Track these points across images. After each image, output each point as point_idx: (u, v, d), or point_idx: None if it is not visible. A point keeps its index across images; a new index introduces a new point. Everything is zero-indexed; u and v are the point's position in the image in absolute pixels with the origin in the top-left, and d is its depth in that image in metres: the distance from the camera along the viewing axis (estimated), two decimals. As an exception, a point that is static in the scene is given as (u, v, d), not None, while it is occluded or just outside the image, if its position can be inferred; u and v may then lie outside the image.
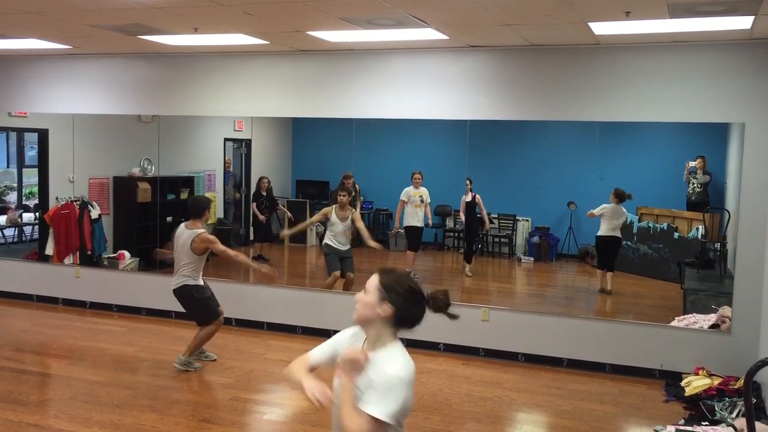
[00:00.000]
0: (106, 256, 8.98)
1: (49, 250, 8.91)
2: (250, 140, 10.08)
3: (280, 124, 10.37)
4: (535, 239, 9.18)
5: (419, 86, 7.07)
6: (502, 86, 6.84)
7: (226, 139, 10.13)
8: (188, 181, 9.69)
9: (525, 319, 6.89)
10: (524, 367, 6.61)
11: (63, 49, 7.84)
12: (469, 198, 8.50)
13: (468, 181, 8.31)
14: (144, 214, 9.23)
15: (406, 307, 2.34)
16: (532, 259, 9.13)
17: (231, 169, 10.36)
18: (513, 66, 6.79)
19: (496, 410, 5.54)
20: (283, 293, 7.75)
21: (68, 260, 8.86)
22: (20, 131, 9.44)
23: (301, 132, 10.58)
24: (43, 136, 9.04)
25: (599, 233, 7.84)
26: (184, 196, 9.45)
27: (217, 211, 10.39)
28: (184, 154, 9.95)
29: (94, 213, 9.08)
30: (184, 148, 9.94)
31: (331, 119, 7.72)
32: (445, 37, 6.28)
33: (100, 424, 4.95)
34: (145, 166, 9.24)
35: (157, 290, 8.06)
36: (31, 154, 10.18)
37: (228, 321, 7.64)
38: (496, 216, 9.48)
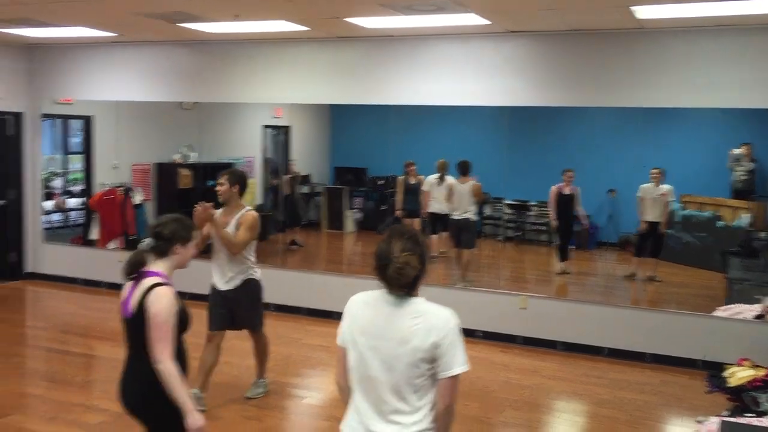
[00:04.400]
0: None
1: (94, 234, 9.11)
2: (289, 127, 10.15)
3: (319, 111, 10.42)
4: (576, 227, 9.08)
5: (458, 72, 7.03)
6: (542, 72, 6.76)
7: (264, 126, 10.21)
8: (227, 168, 9.78)
9: (564, 307, 6.84)
10: (563, 356, 6.57)
11: (108, 37, 7.96)
12: (568, 191, 8.21)
13: (568, 173, 8.13)
14: (185, 200, 9.36)
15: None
16: (572, 246, 9.03)
17: (268, 156, 10.45)
18: (554, 51, 6.71)
19: (534, 398, 5.52)
20: (322, 279, 7.81)
21: (112, 245, 9.05)
22: (66, 118, 9.63)
23: (339, 119, 10.62)
24: (88, 123, 9.23)
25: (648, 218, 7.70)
26: (223, 182, 9.55)
27: (256, 197, 10.50)
28: (223, 140, 10.05)
29: (137, 199, 9.25)
30: (223, 135, 10.04)
31: (370, 106, 7.72)
32: (486, 22, 6.22)
33: (144, 405, 5.07)
34: (186, 152, 9.37)
35: (196, 275, 8.16)
36: (75, 140, 10.38)
37: (266, 306, 7.74)
38: (535, 203, 9.40)
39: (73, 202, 10.32)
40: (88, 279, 8.93)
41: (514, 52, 6.84)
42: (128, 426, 4.62)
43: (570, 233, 8.58)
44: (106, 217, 9.07)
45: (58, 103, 9.05)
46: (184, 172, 9.35)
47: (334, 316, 7.64)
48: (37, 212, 9.28)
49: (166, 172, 9.38)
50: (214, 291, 5.05)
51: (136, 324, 2.88)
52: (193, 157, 9.33)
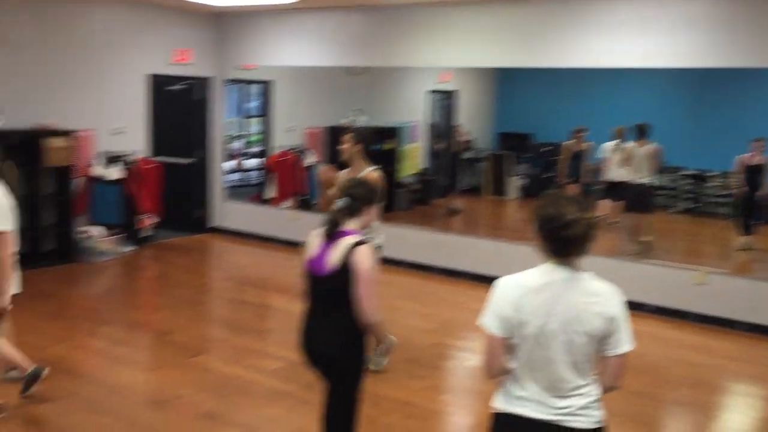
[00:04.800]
0: (317, 202, 9.58)
1: (270, 193, 9.68)
2: (455, 92, 10.14)
3: (483, 76, 10.31)
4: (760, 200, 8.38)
5: (636, 32, 6.66)
6: (733, 30, 6.24)
7: (429, 92, 10.28)
8: (392, 132, 9.98)
9: (746, 285, 6.37)
10: (742, 336, 6.16)
11: (290, 4, 8.28)
12: (756, 161, 7.70)
13: (758, 142, 7.61)
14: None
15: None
16: (758, 221, 8.34)
17: (433, 121, 10.51)
18: (748, 7, 6.17)
19: (709, 378, 5.24)
20: (484, 244, 7.79)
21: (286, 204, 9.58)
22: (248, 83, 10.24)
23: (505, 83, 10.43)
24: (267, 87, 9.76)
25: None
26: (387, 146, 9.76)
27: (420, 162, 10.65)
28: (390, 105, 10.26)
29: (309, 160, 9.70)
30: (390, 100, 10.24)
31: (538, 69, 7.53)
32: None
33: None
34: (355, 116, 9.65)
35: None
36: (251, 105, 11.03)
37: (429, 268, 7.89)
38: (716, 174, 8.78)
39: (250, 163, 11.00)
40: (263, 235, 9.53)
41: (700, 7, 6.37)
42: (301, 373, 4.95)
43: (756, 207, 7.96)
44: (282, 177, 9.60)
45: (241, 69, 9.63)
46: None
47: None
48: (220, 172, 9.98)
49: (336, 135, 9.70)
50: None
51: (337, 280, 3.02)
52: (361, 122, 9.59)
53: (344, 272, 2.99)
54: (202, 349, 5.47)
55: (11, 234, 3.83)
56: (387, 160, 9.29)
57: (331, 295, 3.09)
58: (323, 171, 4.74)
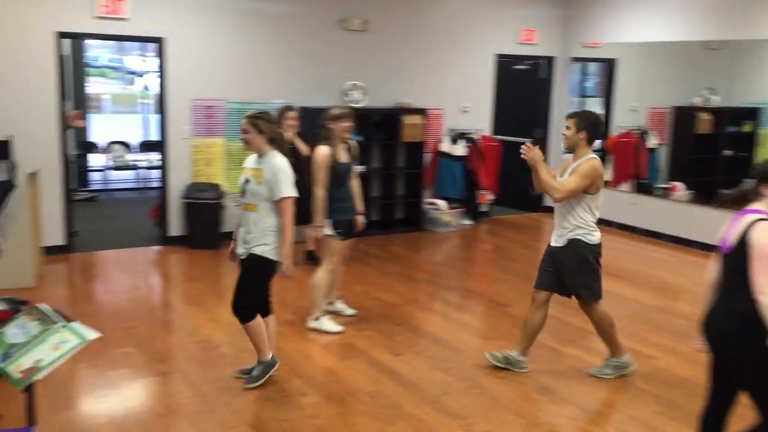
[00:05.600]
0: (659, 185, 9.05)
1: (608, 176, 9.40)
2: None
3: None
4: None
5: None
6: None
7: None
8: (752, 113, 8.96)
9: None
10: None
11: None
12: None
13: None
14: (702, 146, 8.96)
15: None
16: None
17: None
18: None
19: None
20: None
21: (624, 187, 9.22)
22: (591, 61, 10.03)
23: None
24: (612, 65, 9.45)
25: None
26: (746, 129, 8.80)
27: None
28: (750, 83, 9.21)
29: (652, 142, 9.20)
30: (750, 77, 9.19)
31: None
32: None
33: (657, 347, 5.14)
34: (708, 95, 8.87)
35: (710, 224, 7.84)
36: (588, 84, 10.76)
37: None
38: None
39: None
40: (600, 218, 9.28)
41: None
42: (641, 362, 4.77)
43: None
44: (620, 159, 9.26)
45: (586, 47, 9.46)
46: (704, 116, 8.90)
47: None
48: (560, 151, 9.95)
49: (683, 115, 9.06)
50: (548, 246, 4.59)
51: (735, 258, 2.91)
52: (715, 101, 8.79)
53: (741, 249, 2.85)
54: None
55: (292, 201, 4.08)
56: (745, 143, 8.42)
57: (730, 273, 2.97)
58: (525, 150, 4.22)
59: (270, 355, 4.30)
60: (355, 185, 5.38)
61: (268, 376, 4.27)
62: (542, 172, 4.23)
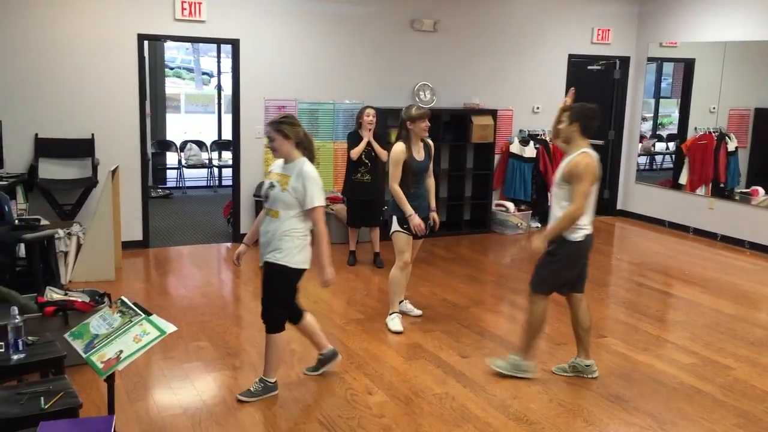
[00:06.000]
0: (739, 190, 8.73)
1: (683, 179, 9.13)
2: None
3: None
4: None
5: None
6: None
7: None
8: None
9: None
10: None
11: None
12: None
13: None
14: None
15: None
16: None
17: None
18: None
19: None
20: None
21: (701, 191, 8.93)
22: (668, 61, 9.75)
23: None
24: (689, 65, 9.16)
25: None
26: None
27: None
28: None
29: (731, 145, 8.87)
30: None
31: None
32: None
33: (735, 357, 4.95)
34: (793, 97, 8.50)
35: None
36: (664, 85, 10.46)
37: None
38: None
39: (660, 146, 10.50)
40: (674, 222, 9.05)
41: None
42: (719, 373, 4.62)
43: None
44: (697, 162, 8.97)
45: (662, 47, 9.20)
46: (789, 118, 8.53)
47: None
48: (634, 154, 9.72)
49: (765, 118, 8.70)
50: None
51: None
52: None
53: None
54: (607, 331, 5.45)
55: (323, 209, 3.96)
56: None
57: None
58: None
59: (274, 379, 4.16)
60: (431, 184, 5.40)
61: (265, 397, 4.11)
62: (554, 233, 4.20)
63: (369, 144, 6.78)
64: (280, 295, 4.05)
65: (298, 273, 4.01)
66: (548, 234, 4.26)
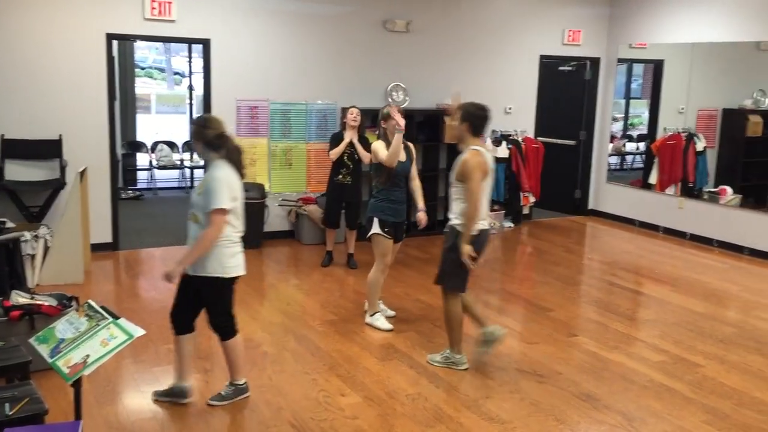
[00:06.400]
0: (707, 189, 8.86)
1: (653, 179, 9.24)
2: None
3: None
4: None
5: None
6: None
7: None
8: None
9: None
10: None
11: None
12: None
13: None
14: (752, 150, 8.74)
15: None
16: None
17: None
18: None
19: None
20: None
21: (670, 190, 9.05)
22: (637, 62, 9.86)
23: None
24: (658, 66, 9.27)
25: None
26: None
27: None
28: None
29: (700, 145, 9.00)
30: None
31: None
32: None
33: (704, 355, 5.02)
34: (759, 98, 8.65)
35: (760, 230, 7.69)
36: (634, 86, 10.58)
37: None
38: None
39: (631, 146, 10.62)
40: (644, 221, 9.16)
41: None
42: (688, 370, 4.68)
43: None
44: (666, 162, 9.09)
45: (632, 48, 9.30)
46: (755, 119, 8.68)
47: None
48: (605, 154, 9.81)
49: (733, 118, 8.85)
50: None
51: None
52: (766, 103, 8.58)
53: None
54: (578, 330, 5.49)
55: (225, 214, 3.70)
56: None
57: None
58: None
59: (243, 380, 4.11)
60: (417, 186, 5.41)
61: (237, 399, 4.06)
62: (466, 238, 4.31)
63: (351, 145, 6.74)
64: (222, 306, 3.94)
65: (232, 280, 3.89)
66: (466, 236, 4.34)
